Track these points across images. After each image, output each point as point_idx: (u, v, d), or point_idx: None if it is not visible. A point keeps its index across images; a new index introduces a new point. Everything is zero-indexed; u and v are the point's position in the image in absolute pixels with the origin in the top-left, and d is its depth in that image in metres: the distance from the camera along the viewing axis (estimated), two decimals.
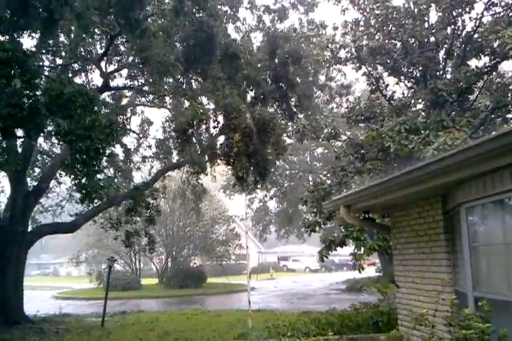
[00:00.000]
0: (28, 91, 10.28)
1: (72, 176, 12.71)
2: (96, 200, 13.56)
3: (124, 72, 18.12)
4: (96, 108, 11.74)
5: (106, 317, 15.75)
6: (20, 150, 15.15)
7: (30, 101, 10.29)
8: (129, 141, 21.36)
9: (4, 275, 14.76)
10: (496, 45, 14.37)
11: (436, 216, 6.04)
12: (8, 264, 14.94)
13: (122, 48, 16.98)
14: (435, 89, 14.31)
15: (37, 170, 19.55)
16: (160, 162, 21.37)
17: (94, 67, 16.99)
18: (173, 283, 31.63)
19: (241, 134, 15.50)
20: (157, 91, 16.93)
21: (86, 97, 10.97)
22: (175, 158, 20.79)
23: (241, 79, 17.03)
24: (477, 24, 15.16)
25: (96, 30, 15.09)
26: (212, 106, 17.50)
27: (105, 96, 18.72)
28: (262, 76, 17.42)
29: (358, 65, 17.42)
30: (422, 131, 13.10)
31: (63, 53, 15.77)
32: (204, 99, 17.91)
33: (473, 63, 15.51)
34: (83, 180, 12.27)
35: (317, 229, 15.44)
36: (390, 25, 16.19)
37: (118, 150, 20.08)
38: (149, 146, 21.06)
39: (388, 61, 16.86)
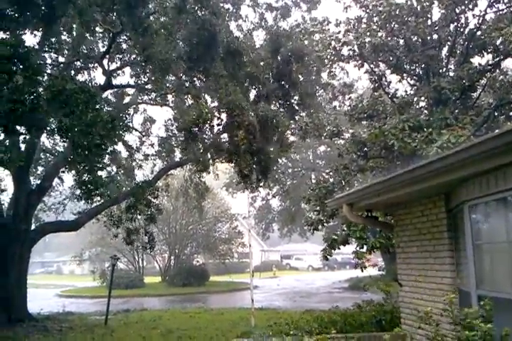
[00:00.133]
0: (29, 88, 10.27)
1: (74, 172, 12.71)
2: (97, 197, 13.55)
3: (127, 70, 18.12)
4: (98, 105, 11.74)
5: (109, 316, 15.80)
6: (23, 148, 15.17)
7: (32, 97, 10.29)
8: (132, 139, 21.39)
9: (8, 274, 14.80)
10: (499, 42, 14.34)
11: (439, 214, 6.02)
12: (12, 262, 14.97)
13: (125, 46, 16.97)
14: (438, 87, 14.27)
15: (40, 168, 19.59)
16: (162, 160, 21.36)
17: (96, 65, 16.98)
18: (176, 281, 31.69)
19: (244, 131, 15.49)
20: (159, 89, 16.90)
21: (88, 94, 10.97)
22: (177, 156, 20.80)
23: (243, 77, 17.00)
24: (480, 21, 15.12)
25: (98, 28, 15.08)
26: (214, 103, 17.49)
27: (107, 94, 18.74)
28: (264, 74, 17.39)
29: (360, 62, 17.39)
30: (425, 129, 13.07)
31: (65, 51, 15.77)
32: (207, 97, 17.89)
33: (476, 60, 15.49)
34: (84, 177, 12.28)
35: (320, 227, 15.42)
36: (393, 23, 16.16)
37: (120, 148, 20.13)
38: (151, 145, 21.06)
39: (391, 58, 16.84)
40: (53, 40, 13.94)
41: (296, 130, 18.66)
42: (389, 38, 16.58)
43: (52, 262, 67.23)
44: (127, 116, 18.62)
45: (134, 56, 16.80)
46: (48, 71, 14.05)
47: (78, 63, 16.63)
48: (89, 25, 13.24)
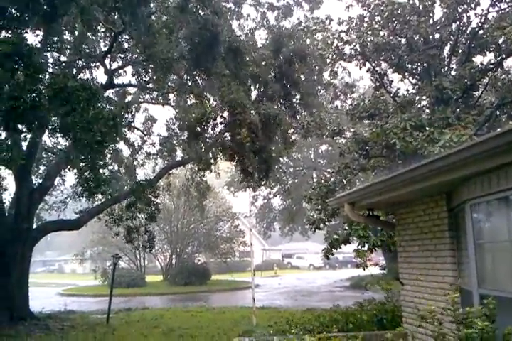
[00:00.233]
0: (31, 85, 10.27)
1: (75, 170, 12.72)
2: (98, 195, 13.55)
3: (128, 69, 18.13)
4: (99, 103, 11.74)
5: (111, 314, 15.80)
6: (24, 147, 15.18)
7: (33, 94, 10.29)
8: (133, 138, 21.38)
9: (9, 273, 14.81)
10: (501, 41, 14.33)
11: (440, 213, 6.02)
12: (14, 261, 14.99)
13: (126, 45, 16.97)
14: (440, 86, 14.27)
15: (41, 167, 19.59)
16: (163, 159, 21.37)
17: (98, 64, 17.00)
18: (178, 280, 31.71)
19: (247, 130, 15.50)
20: (161, 88, 16.92)
21: (89, 91, 10.97)
22: (179, 155, 20.82)
23: (245, 77, 17.01)
24: (482, 20, 15.10)
25: (100, 28, 15.09)
26: (216, 102, 17.49)
27: (109, 93, 18.75)
28: (266, 74, 17.39)
29: (362, 61, 17.38)
30: (427, 128, 13.07)
31: (67, 50, 15.78)
32: (209, 96, 17.89)
33: (478, 60, 15.50)
34: (86, 174, 12.29)
35: (321, 226, 15.43)
36: (395, 22, 16.15)
37: (122, 147, 20.15)
38: (153, 144, 21.08)
39: (393, 57, 16.83)
40: (55, 39, 13.96)
41: (298, 129, 18.66)
42: (391, 37, 16.57)
43: (54, 261, 67.35)
44: (129, 114, 18.64)
45: (135, 55, 16.81)
46: (50, 70, 14.06)
47: (80, 62, 16.65)
48: (91, 24, 13.27)
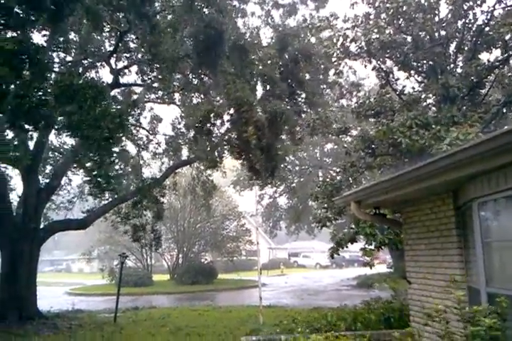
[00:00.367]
0: (37, 83, 10.30)
1: (83, 169, 12.76)
2: (107, 193, 13.58)
3: (134, 68, 18.18)
4: (106, 101, 11.78)
5: (118, 313, 15.85)
6: (31, 147, 15.25)
7: (40, 92, 10.32)
8: (139, 137, 21.41)
9: (17, 272, 14.91)
10: (507, 38, 14.23)
11: (447, 211, 5.99)
12: (21, 261, 15.08)
13: (132, 45, 17.02)
14: (446, 84, 14.20)
15: (48, 167, 19.68)
16: (169, 159, 21.41)
17: (103, 63, 17.05)
18: (185, 279, 31.79)
19: (253, 128, 15.49)
20: (166, 87, 16.95)
21: (95, 89, 11.00)
22: (184, 154, 20.85)
23: (251, 75, 17.00)
24: (489, 17, 14.99)
25: (105, 27, 15.13)
26: (222, 100, 17.50)
27: (115, 92, 18.79)
28: (272, 72, 17.37)
29: (367, 59, 17.31)
30: (433, 126, 13.01)
31: (73, 50, 15.83)
32: (214, 94, 17.90)
33: (484, 57, 15.38)
34: (95, 172, 12.34)
35: (328, 223, 15.39)
36: (401, 19, 16.08)
37: (129, 146, 20.19)
38: (158, 143, 21.13)
39: (398, 55, 16.75)
40: (61, 39, 14.01)
41: (303, 127, 18.63)
42: (396, 35, 16.48)
43: (62, 260, 67.69)
44: (135, 111, 18.70)
45: (141, 55, 16.86)
46: (56, 69, 14.11)
47: (86, 62, 16.71)
48: (96, 24, 13.29)
